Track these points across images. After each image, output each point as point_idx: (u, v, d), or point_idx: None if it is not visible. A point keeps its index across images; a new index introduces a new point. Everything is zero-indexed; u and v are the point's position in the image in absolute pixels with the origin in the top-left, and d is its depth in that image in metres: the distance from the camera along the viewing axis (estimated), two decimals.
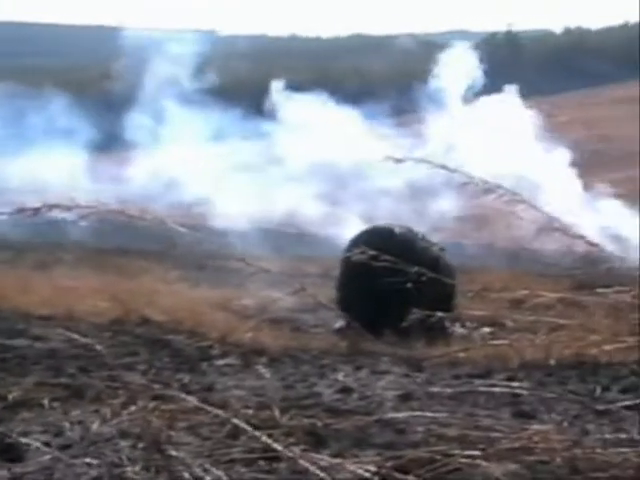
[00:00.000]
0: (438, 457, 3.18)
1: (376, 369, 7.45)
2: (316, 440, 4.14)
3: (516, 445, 3.13)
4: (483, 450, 3.13)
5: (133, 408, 4.31)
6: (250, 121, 30.90)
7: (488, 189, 3.47)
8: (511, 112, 28.96)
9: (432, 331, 8.34)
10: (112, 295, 11.74)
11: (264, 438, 3.62)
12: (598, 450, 3.19)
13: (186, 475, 3.51)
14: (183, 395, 4.05)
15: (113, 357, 6.58)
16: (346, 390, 6.38)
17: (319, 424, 4.36)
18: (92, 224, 3.58)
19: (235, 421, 3.80)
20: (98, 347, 4.57)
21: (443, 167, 3.48)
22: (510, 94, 30.17)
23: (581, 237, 3.55)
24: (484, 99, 29.50)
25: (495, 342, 4.94)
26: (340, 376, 7.14)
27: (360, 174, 28.83)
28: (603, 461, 3.14)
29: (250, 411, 4.85)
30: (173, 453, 3.74)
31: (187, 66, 31.12)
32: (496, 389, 5.28)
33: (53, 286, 12.85)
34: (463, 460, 3.12)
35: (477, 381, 5.98)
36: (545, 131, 29.43)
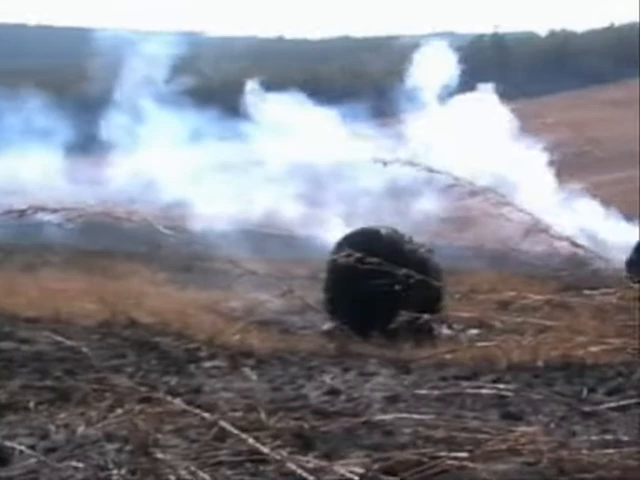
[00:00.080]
0: (425, 459, 3.18)
1: (364, 371, 7.45)
2: (303, 442, 4.14)
3: (503, 447, 3.13)
4: (470, 452, 3.13)
5: (120, 411, 4.30)
6: (232, 122, 30.82)
7: (474, 191, 3.48)
8: (488, 110, 29.01)
9: (419, 333, 8.34)
10: (99, 297, 11.71)
11: (251, 440, 3.61)
12: (584, 451, 3.20)
13: (173, 478, 3.50)
14: (170, 398, 4.04)
15: (100, 359, 6.57)
16: (334, 392, 6.37)
17: (306, 426, 4.36)
18: (73, 225, 3.56)
19: (222, 424, 3.79)
20: (84, 350, 4.55)
21: (430, 169, 3.48)
22: (486, 92, 30.20)
23: (567, 239, 3.56)
24: (460, 97, 29.52)
25: (482, 344, 4.94)
26: (328, 378, 7.14)
27: (339, 174, 28.84)
28: (589, 462, 3.15)
29: (237, 413, 4.84)
30: (160, 456, 3.73)
31: (171, 67, 31.07)
32: (483, 391, 5.28)
33: (40, 288, 12.81)
34: (450, 462, 3.12)
35: (464, 383, 5.99)
36: (531, 133, 29.53)
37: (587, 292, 3.67)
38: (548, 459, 3.17)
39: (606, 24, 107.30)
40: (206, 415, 3.91)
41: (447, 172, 3.49)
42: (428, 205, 27.16)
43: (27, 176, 26.34)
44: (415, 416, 4.17)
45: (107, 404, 4.65)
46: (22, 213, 3.38)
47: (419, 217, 25.87)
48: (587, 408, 4.94)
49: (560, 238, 3.61)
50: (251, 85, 30.68)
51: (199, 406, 4.32)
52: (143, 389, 4.41)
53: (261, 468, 3.77)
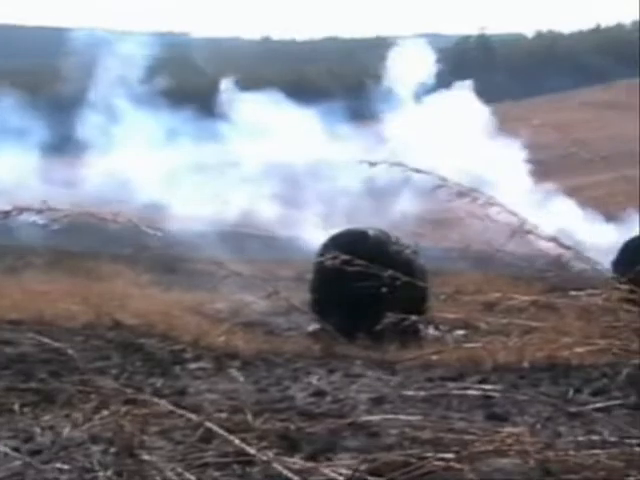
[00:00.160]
0: (412, 460, 3.18)
1: (349, 372, 7.45)
2: (289, 443, 4.13)
3: (490, 448, 3.13)
4: (457, 453, 3.13)
5: (105, 413, 4.28)
6: (209, 122, 30.72)
7: (461, 192, 3.48)
8: (466, 109, 29.05)
9: (405, 334, 8.35)
10: (83, 299, 11.67)
11: (237, 442, 3.60)
12: (571, 452, 3.20)
13: (159, 479, 3.49)
14: (155, 399, 4.02)
15: (84, 361, 6.54)
16: (319, 393, 6.37)
17: (292, 427, 4.35)
18: (57, 227, 3.53)
19: (208, 425, 3.78)
20: (70, 351, 4.53)
21: (417, 170, 3.48)
22: (465, 91, 30.24)
23: (553, 240, 3.57)
24: (439, 96, 29.53)
25: (468, 345, 4.94)
26: (313, 379, 7.14)
27: (318, 174, 28.84)
28: (575, 463, 3.15)
29: (223, 415, 4.83)
30: (146, 457, 3.72)
31: (150, 68, 30.97)
32: (469, 392, 5.29)
33: (23, 290, 12.75)
34: (437, 463, 3.12)
35: (450, 384, 6.00)
36: (517, 134, 29.59)
37: (573, 293, 3.68)
38: (534, 460, 3.17)
39: (593, 25, 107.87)
40: (192, 416, 3.90)
41: (433, 173, 3.49)
42: (410, 205, 27.19)
43: (1, 176, 26.18)
44: (402, 417, 4.17)
45: (92, 406, 4.63)
46: (6, 214, 3.36)
47: (400, 217, 25.88)
48: (572, 409, 4.95)
49: (547, 239, 3.62)
50: (227, 85, 30.62)
51: (184, 408, 4.31)
52: (128, 391, 4.39)
53: (247, 469, 3.77)
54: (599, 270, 3.82)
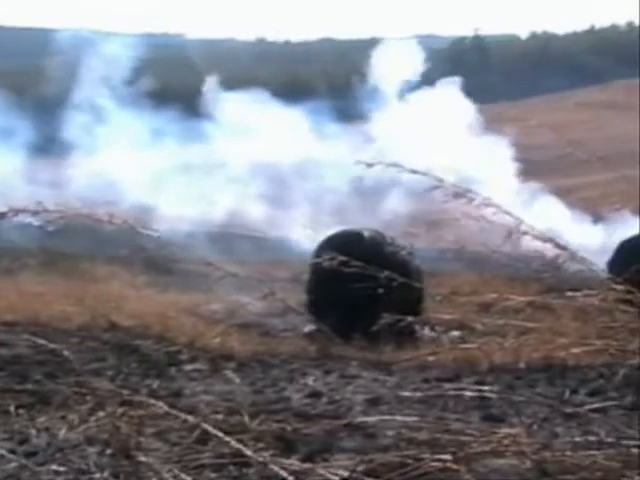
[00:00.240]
0: (409, 461, 3.18)
1: (345, 373, 7.44)
2: (285, 445, 4.13)
3: (486, 448, 3.13)
4: (454, 454, 3.13)
5: (101, 414, 4.27)
6: (197, 123, 30.63)
7: (457, 193, 3.48)
8: (453, 107, 28.99)
9: (401, 335, 8.35)
10: (79, 300, 11.65)
11: (234, 443, 3.59)
12: (567, 453, 3.20)
13: None
14: (152, 400, 4.02)
15: (80, 363, 6.53)
16: (315, 394, 6.37)
17: (288, 429, 4.35)
18: (53, 228, 3.53)
19: (205, 426, 3.78)
20: (65, 353, 4.52)
21: (413, 171, 3.48)
22: (451, 89, 30.18)
23: (550, 240, 3.56)
24: (427, 94, 29.45)
25: (465, 346, 4.94)
26: (309, 380, 7.13)
27: (308, 174, 28.81)
28: (572, 464, 3.15)
29: (219, 416, 4.83)
30: (142, 459, 3.71)
31: (140, 69, 30.89)
32: (465, 392, 5.29)
33: (19, 292, 12.72)
34: (434, 464, 3.12)
35: (446, 385, 6.00)
36: (513, 135, 29.58)
37: (569, 294, 3.68)
38: (531, 460, 3.17)
39: (587, 26, 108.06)
40: (189, 418, 3.89)
41: (429, 173, 3.49)
42: (402, 205, 27.16)
43: None
44: (398, 418, 4.16)
45: (88, 407, 4.62)
46: (2, 216, 3.36)
47: (391, 217, 25.82)
48: (569, 409, 4.96)
49: (543, 239, 3.61)
50: (215, 86, 30.56)
51: (180, 409, 4.30)
52: (124, 392, 4.38)
53: (244, 471, 3.76)
54: (595, 271, 3.82)
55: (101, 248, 21.90)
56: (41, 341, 5.45)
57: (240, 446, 3.62)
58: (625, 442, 3.35)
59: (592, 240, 23.21)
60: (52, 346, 4.98)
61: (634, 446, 3.29)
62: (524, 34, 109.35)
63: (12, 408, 5.28)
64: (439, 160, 18.38)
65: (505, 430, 3.42)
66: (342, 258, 3.96)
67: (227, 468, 3.79)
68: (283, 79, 58.75)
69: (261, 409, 5.31)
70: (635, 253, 13.77)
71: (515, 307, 4.24)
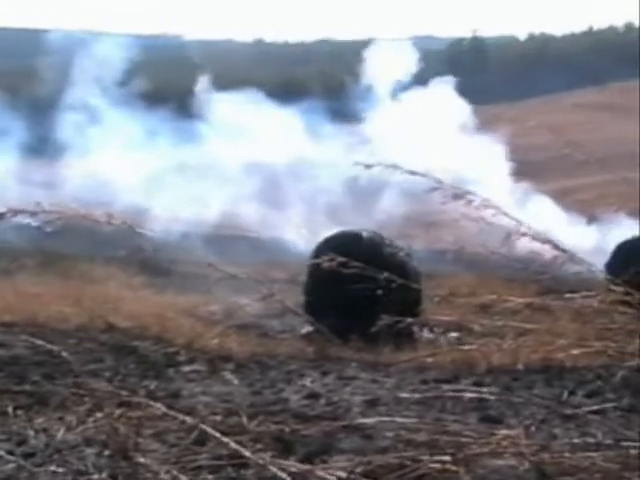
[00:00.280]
0: (407, 462, 3.18)
1: (343, 374, 7.43)
2: (284, 446, 4.13)
3: (485, 450, 3.13)
4: (453, 455, 3.13)
5: (99, 415, 4.27)
6: (191, 124, 30.56)
7: (457, 194, 3.48)
8: (447, 105, 28.96)
9: (399, 336, 8.35)
10: (76, 301, 11.64)
11: (232, 444, 3.59)
12: (566, 454, 3.20)
13: None
14: (150, 402, 4.01)
15: (78, 364, 6.52)
16: (313, 396, 6.36)
17: (287, 430, 4.34)
18: (52, 228, 3.52)
19: (203, 427, 3.77)
20: (64, 354, 4.52)
21: (412, 172, 3.48)
22: (444, 87, 30.13)
23: (549, 242, 3.57)
24: (422, 94, 29.40)
25: (464, 347, 4.94)
26: (307, 382, 7.13)
27: (304, 175, 28.78)
28: (571, 465, 3.15)
29: (217, 417, 4.83)
30: (140, 460, 3.71)
31: (136, 70, 30.83)
32: (464, 394, 5.28)
33: (16, 292, 12.72)
34: (432, 465, 3.12)
35: (445, 386, 6.00)
36: (511, 136, 29.57)
37: (568, 295, 3.68)
38: (530, 462, 3.17)
39: (585, 28, 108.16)
40: (187, 419, 3.89)
41: (430, 175, 3.49)
42: (397, 206, 27.15)
43: None
44: (397, 419, 4.16)
45: (86, 408, 4.62)
46: (1, 216, 3.36)
47: (388, 218, 25.78)
48: (567, 411, 4.96)
49: (543, 241, 3.62)
50: (207, 86, 30.53)
51: (179, 410, 4.30)
52: (123, 393, 4.38)
53: (242, 472, 3.76)
54: (594, 272, 3.83)
55: (98, 249, 21.90)
56: (39, 342, 5.44)
57: (238, 447, 3.62)
58: (624, 444, 3.35)
59: (586, 241, 23.20)
60: (50, 347, 4.97)
61: (633, 448, 3.29)
62: (522, 35, 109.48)
63: (10, 409, 5.27)
64: (434, 160, 18.38)
65: (504, 431, 3.43)
66: (341, 259, 3.96)
67: (225, 469, 3.79)
68: (280, 80, 58.76)
69: (259, 410, 5.30)
70: (633, 255, 13.78)
71: (513, 308, 4.24)
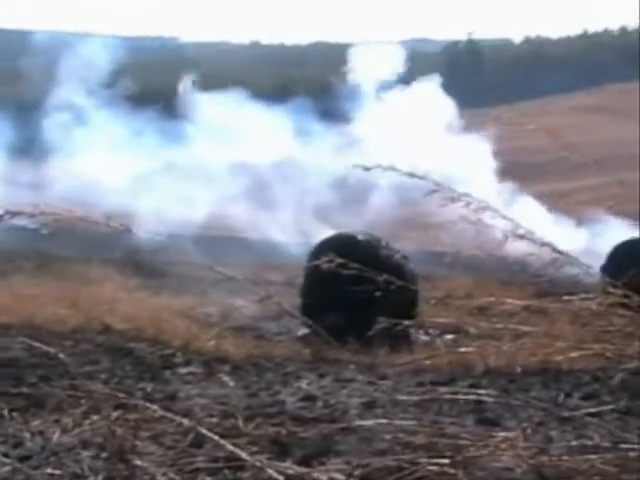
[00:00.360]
0: (406, 465, 3.17)
1: (340, 377, 7.42)
2: (280, 448, 4.12)
3: (484, 452, 3.13)
4: (450, 458, 3.12)
5: (95, 417, 4.26)
6: (178, 125, 30.48)
7: (454, 197, 3.47)
8: (434, 106, 28.91)
9: (396, 338, 8.34)
10: (72, 303, 11.63)
11: (229, 446, 3.58)
12: (565, 457, 3.20)
13: None
14: (147, 404, 4.01)
15: (74, 366, 6.50)
16: (310, 398, 6.35)
17: (284, 432, 4.34)
18: (48, 230, 3.51)
19: (200, 430, 3.77)
20: (61, 356, 4.50)
21: (410, 174, 3.47)
22: (431, 88, 30.08)
23: (547, 244, 3.56)
24: (411, 94, 29.34)
25: (462, 349, 4.94)
26: (304, 384, 7.12)
27: (294, 176, 28.75)
28: (569, 468, 3.14)
29: (214, 420, 4.82)
30: (136, 462, 3.70)
31: (122, 72, 30.75)
32: (460, 396, 5.28)
33: (12, 294, 12.70)
34: (430, 468, 3.11)
35: (441, 388, 5.99)
36: (509, 139, 29.56)
37: (566, 298, 3.68)
38: (528, 465, 3.17)
39: (580, 31, 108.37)
40: (183, 421, 3.88)
41: (428, 178, 3.49)
42: (391, 207, 27.11)
43: None
44: (396, 422, 4.15)
45: (82, 411, 4.61)
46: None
47: (383, 220, 25.73)
48: (564, 413, 4.95)
49: (541, 243, 3.61)
50: (195, 87, 30.48)
51: (175, 412, 4.29)
52: (119, 395, 4.37)
53: (239, 474, 3.75)
54: (592, 275, 3.83)
55: (94, 251, 21.86)
56: (36, 344, 5.43)
57: (235, 449, 3.61)
58: (622, 446, 3.35)
59: (575, 244, 23.18)
60: (47, 349, 4.95)
61: (631, 450, 3.29)
62: (518, 38, 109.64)
63: (6, 411, 5.26)
64: (424, 161, 18.36)
65: (502, 434, 3.42)
66: (338, 261, 3.95)
67: (222, 472, 3.78)
68: (276, 81, 58.77)
69: (256, 412, 5.29)
70: (629, 257, 13.78)
71: (510, 311, 4.24)
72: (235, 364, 8.14)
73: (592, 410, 4.80)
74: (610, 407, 4.90)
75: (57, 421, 4.87)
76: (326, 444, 4.24)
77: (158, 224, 23.02)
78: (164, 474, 3.59)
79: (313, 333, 10.54)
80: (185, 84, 30.72)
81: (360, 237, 11.97)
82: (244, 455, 3.52)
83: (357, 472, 3.25)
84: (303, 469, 3.42)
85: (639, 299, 3.60)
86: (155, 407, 4.09)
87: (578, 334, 3.75)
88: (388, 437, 3.99)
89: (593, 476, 3.07)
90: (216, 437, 3.70)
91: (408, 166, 3.83)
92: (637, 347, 3.57)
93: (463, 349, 5.01)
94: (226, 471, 3.78)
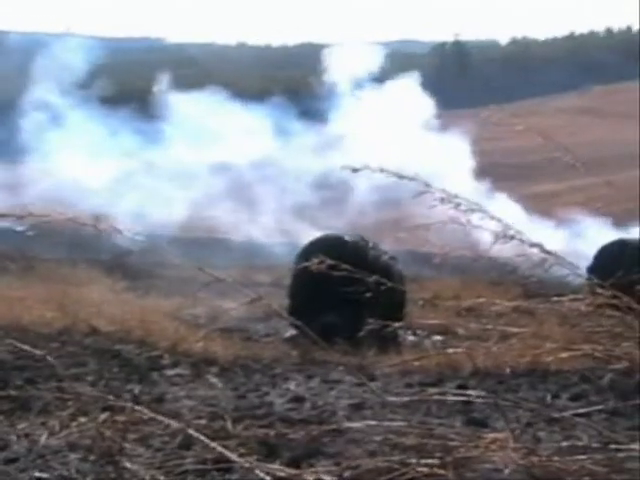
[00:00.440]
0: (395, 466, 3.16)
1: (328, 378, 7.42)
2: (269, 450, 4.10)
3: (474, 453, 3.12)
4: (441, 459, 3.12)
5: (82, 420, 4.24)
6: (156, 125, 30.38)
7: (445, 198, 3.47)
8: (412, 104, 28.94)
9: (384, 340, 8.34)
10: (59, 305, 11.56)
11: (218, 448, 3.57)
12: (555, 458, 3.20)
13: None
14: (135, 406, 3.98)
15: (61, 368, 6.47)
16: (298, 399, 6.34)
17: (272, 434, 4.32)
18: (35, 232, 3.49)
19: (189, 431, 3.75)
20: (48, 358, 4.48)
21: (400, 176, 3.47)
22: (405, 85, 30.11)
23: (537, 245, 3.56)
24: (392, 91, 29.35)
25: (450, 350, 4.94)
26: (292, 385, 7.11)
27: (277, 177, 28.74)
28: (559, 468, 3.14)
29: (202, 421, 4.80)
30: (125, 464, 3.68)
31: (99, 73, 30.65)
32: (449, 397, 5.27)
33: None
34: (420, 469, 3.11)
35: (430, 389, 5.98)
36: (500, 140, 29.64)
37: (555, 299, 3.68)
38: (518, 465, 3.16)
39: (566, 32, 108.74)
40: (172, 423, 3.86)
41: (418, 178, 3.48)
42: (376, 208, 27.13)
43: None
44: (385, 423, 4.15)
45: (69, 413, 4.58)
46: None
47: (370, 221, 25.74)
48: (552, 414, 4.96)
49: (530, 244, 3.61)
50: (173, 87, 30.43)
51: (163, 414, 4.27)
52: (109, 397, 4.34)
53: (227, 476, 3.74)
54: (581, 275, 3.83)
55: (76, 252, 21.78)
56: (23, 346, 5.40)
57: (224, 451, 3.59)
58: (611, 447, 3.35)
59: (554, 244, 23.13)
60: (36, 351, 4.92)
61: (620, 450, 3.29)
62: (504, 39, 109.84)
63: None
64: (404, 159, 18.34)
65: (492, 435, 3.42)
66: (329, 262, 3.94)
67: (210, 473, 3.77)
68: (262, 82, 58.66)
69: (244, 414, 5.28)
70: (615, 258, 13.82)
71: (498, 312, 4.24)
72: (223, 366, 8.12)
73: (581, 410, 4.80)
74: (599, 407, 4.91)
75: (44, 423, 4.84)
76: (315, 446, 4.23)
77: (137, 225, 22.91)
78: (153, 476, 3.57)
79: (301, 334, 10.53)
80: (161, 84, 30.65)
81: (348, 238, 11.97)
82: (233, 457, 3.50)
83: (346, 473, 3.24)
84: (292, 471, 3.40)
85: (627, 300, 3.60)
86: (143, 409, 4.06)
87: (567, 335, 3.76)
88: (377, 438, 3.98)
89: (582, 476, 3.07)
90: (204, 439, 3.68)
91: (388, 164, 3.83)
92: (625, 348, 3.58)
93: (451, 350, 5.00)
94: (215, 473, 3.76)
